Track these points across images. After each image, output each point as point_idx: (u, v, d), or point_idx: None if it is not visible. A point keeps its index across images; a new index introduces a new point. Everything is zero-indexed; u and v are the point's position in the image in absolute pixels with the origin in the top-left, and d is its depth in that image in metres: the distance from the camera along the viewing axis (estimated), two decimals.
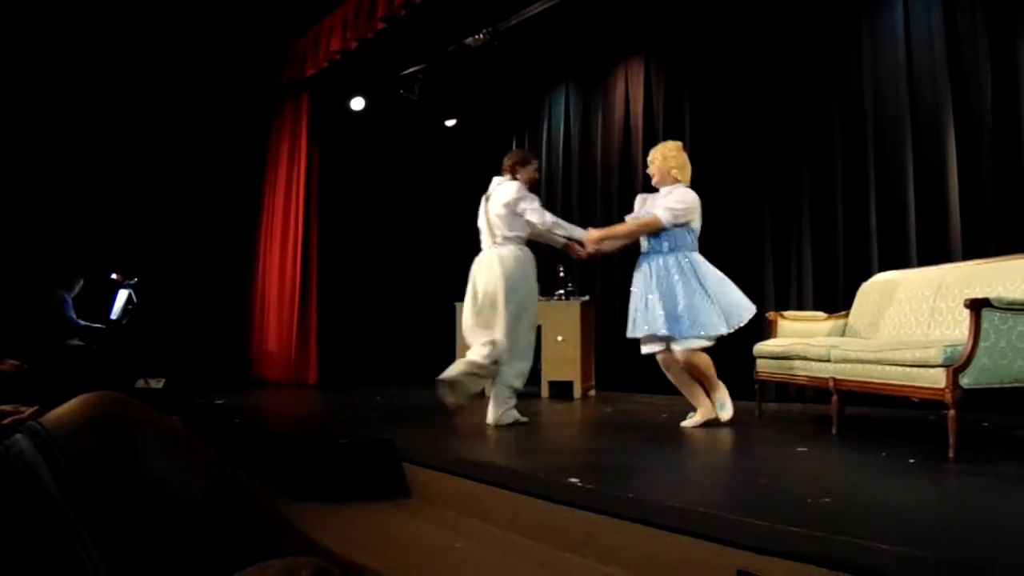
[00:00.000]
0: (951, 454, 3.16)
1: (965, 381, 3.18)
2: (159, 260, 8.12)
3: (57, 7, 7.31)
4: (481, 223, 4.73)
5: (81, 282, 7.51)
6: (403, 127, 9.11)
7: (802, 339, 4.69)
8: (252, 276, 8.90)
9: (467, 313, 4.66)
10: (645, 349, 4.44)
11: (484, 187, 4.89)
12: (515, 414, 4.52)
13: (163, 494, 1.03)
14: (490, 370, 4.51)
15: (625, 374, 7.16)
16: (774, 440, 4.16)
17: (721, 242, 6.72)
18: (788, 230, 6.29)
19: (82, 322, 7.42)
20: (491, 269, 4.54)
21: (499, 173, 4.80)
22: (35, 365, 5.65)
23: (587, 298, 6.71)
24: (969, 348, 3.19)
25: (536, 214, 4.58)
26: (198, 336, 8.23)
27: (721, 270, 6.60)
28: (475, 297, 4.61)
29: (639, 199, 4.68)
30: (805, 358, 4.37)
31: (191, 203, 8.42)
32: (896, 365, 3.52)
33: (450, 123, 9.15)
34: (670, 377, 4.50)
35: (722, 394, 4.44)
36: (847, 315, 4.96)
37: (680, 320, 4.22)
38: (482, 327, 4.54)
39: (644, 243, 4.50)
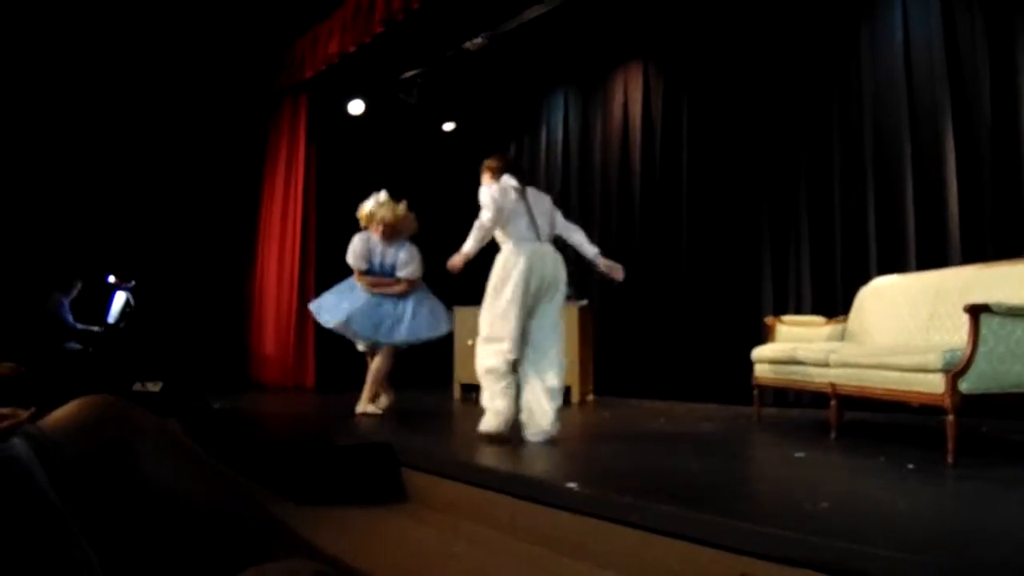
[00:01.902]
0: (950, 459, 3.16)
1: (964, 386, 3.18)
2: (157, 263, 8.10)
3: (55, 8, 7.31)
4: (523, 218, 4.31)
5: (79, 285, 7.50)
6: (401, 131, 9.12)
7: (801, 344, 4.69)
8: (250, 279, 8.89)
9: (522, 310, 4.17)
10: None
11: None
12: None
13: (159, 497, 1.03)
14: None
15: (624, 379, 7.16)
16: (773, 445, 4.15)
17: (720, 246, 6.75)
18: (786, 234, 6.30)
19: (80, 325, 7.41)
20: (557, 264, 4.28)
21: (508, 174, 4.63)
22: (32, 368, 5.64)
23: (585, 302, 6.70)
24: (968, 353, 3.19)
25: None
26: (196, 339, 8.21)
27: (719, 274, 6.68)
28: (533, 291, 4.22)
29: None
30: (804, 363, 4.37)
31: (189, 206, 8.41)
32: (895, 370, 3.52)
33: (448, 127, 9.16)
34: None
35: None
36: (846, 320, 4.95)
37: None
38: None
39: None
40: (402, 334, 5.34)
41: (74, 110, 7.69)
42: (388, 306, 5.39)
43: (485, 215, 4.17)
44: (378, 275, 5.43)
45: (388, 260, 5.44)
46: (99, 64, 7.69)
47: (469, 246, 4.18)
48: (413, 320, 5.37)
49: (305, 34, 7.96)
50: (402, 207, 5.54)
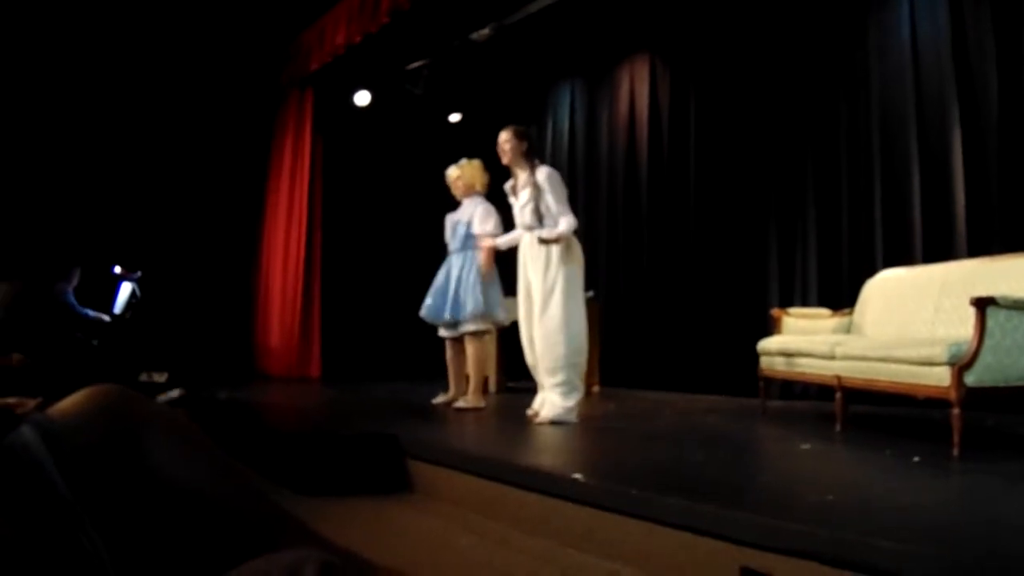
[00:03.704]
0: (955, 452, 3.16)
1: (970, 379, 3.18)
2: (163, 254, 8.12)
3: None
4: None
5: (78, 272, 7.49)
6: (407, 122, 9.11)
7: (807, 336, 4.68)
8: (256, 270, 8.91)
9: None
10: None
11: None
12: None
13: (168, 487, 1.03)
14: None
15: (629, 371, 7.17)
16: (778, 437, 4.16)
17: (726, 238, 6.74)
18: (793, 227, 6.29)
19: (91, 313, 7.40)
20: None
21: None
22: (38, 359, 5.65)
23: (591, 294, 6.67)
24: (974, 346, 3.19)
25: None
26: (201, 330, 8.24)
27: (725, 266, 6.66)
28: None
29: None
30: (810, 355, 4.37)
31: (195, 197, 8.42)
32: (901, 363, 3.52)
33: (455, 118, 9.14)
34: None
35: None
36: (852, 312, 4.94)
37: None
38: None
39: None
40: (446, 312, 5.30)
41: (81, 102, 7.70)
42: (441, 280, 5.42)
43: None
44: (458, 238, 5.44)
45: (465, 217, 5.43)
46: (106, 55, 7.70)
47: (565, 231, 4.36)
48: (456, 295, 5.27)
49: (311, 26, 7.95)
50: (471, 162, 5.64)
